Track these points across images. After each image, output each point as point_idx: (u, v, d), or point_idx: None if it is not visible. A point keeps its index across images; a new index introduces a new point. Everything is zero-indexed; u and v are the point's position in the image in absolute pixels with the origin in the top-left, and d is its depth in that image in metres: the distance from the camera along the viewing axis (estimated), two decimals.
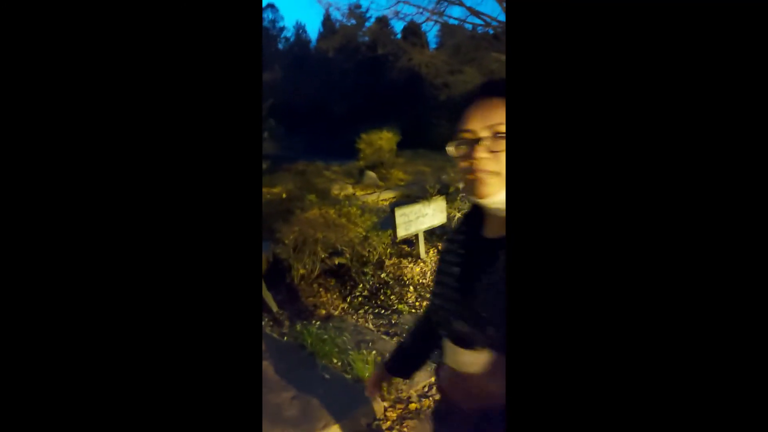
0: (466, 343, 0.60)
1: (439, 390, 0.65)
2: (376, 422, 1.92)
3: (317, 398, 1.99)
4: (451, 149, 0.65)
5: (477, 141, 0.62)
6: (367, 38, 15.17)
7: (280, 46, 23.36)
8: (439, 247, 4.07)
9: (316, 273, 3.53)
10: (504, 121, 0.62)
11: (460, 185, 0.78)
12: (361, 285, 3.49)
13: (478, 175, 0.62)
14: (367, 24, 14.24)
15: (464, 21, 9.44)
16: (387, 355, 1.17)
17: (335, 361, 2.30)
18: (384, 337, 2.71)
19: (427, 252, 4.08)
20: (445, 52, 10.97)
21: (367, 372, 2.13)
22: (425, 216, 3.98)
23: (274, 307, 3.21)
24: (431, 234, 4.32)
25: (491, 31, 9.31)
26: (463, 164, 0.64)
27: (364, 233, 3.74)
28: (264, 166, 10.66)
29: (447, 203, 4.33)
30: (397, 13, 9.32)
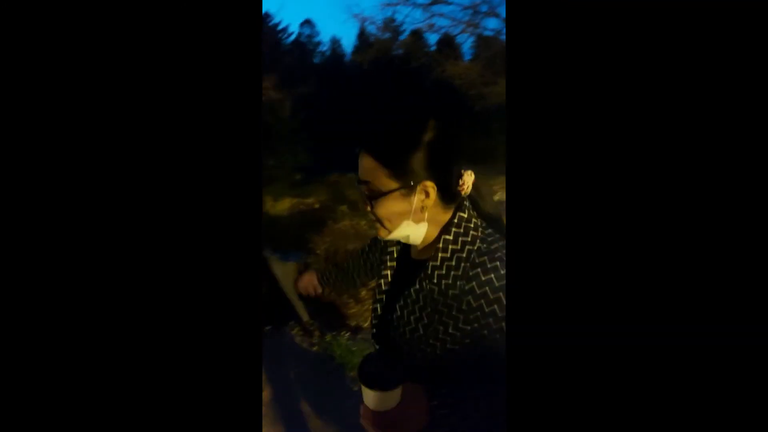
0: (378, 385, 0.61)
1: (364, 426, 0.67)
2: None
3: (344, 409, 1.98)
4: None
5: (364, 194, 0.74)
6: (401, 51, 15.32)
7: (316, 60, 23.92)
8: None
9: None
10: (364, 174, 0.72)
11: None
12: None
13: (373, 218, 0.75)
14: (402, 37, 14.40)
15: (500, 33, 9.39)
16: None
17: None
18: None
19: None
20: (479, 63, 10.92)
21: None
22: None
23: (305, 317, 3.23)
24: None
25: None
26: None
27: None
28: (297, 177, 10.85)
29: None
30: (431, 26, 9.38)
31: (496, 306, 0.65)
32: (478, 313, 0.66)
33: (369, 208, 0.74)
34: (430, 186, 0.70)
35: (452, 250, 0.71)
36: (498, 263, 0.67)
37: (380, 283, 0.83)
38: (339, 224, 3.83)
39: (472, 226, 0.73)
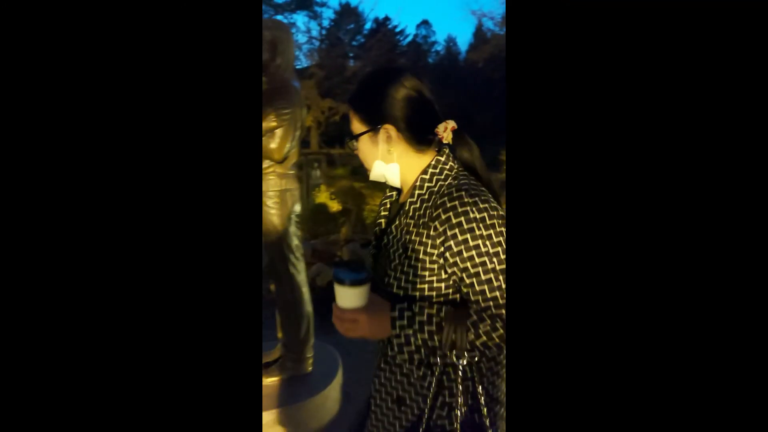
0: (346, 282, 0.73)
1: (335, 325, 0.77)
2: None
3: None
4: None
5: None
6: None
7: (430, 60, 24.07)
8: None
9: None
10: (351, 126, 0.86)
11: None
12: None
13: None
14: None
15: None
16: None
17: None
18: None
19: None
20: None
21: None
22: None
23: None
24: None
25: None
26: None
27: None
28: None
29: None
30: None
31: (457, 231, 0.73)
32: (443, 237, 0.74)
33: (355, 151, 0.88)
34: (391, 128, 0.81)
35: (428, 187, 0.80)
36: (463, 192, 0.75)
37: (375, 231, 0.92)
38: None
39: (447, 168, 0.81)
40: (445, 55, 24.55)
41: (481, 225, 0.72)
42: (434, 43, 25.93)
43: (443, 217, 0.73)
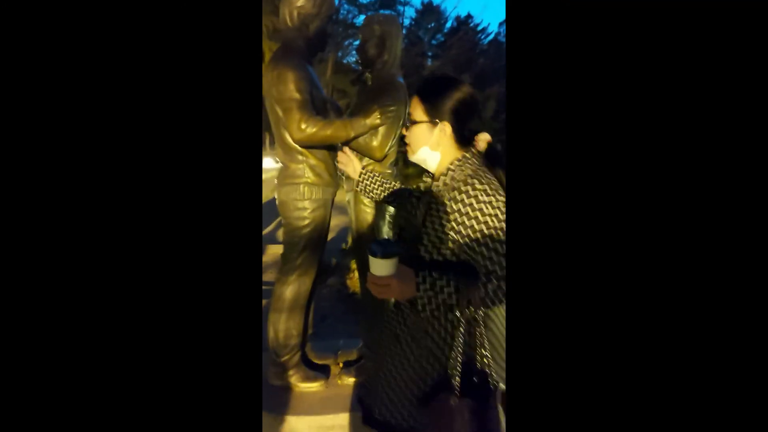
0: (378, 254, 0.89)
1: (370, 289, 0.93)
2: None
3: None
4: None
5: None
6: None
7: None
8: None
9: None
10: (411, 110, 1.05)
11: None
12: None
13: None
14: None
15: None
16: None
17: None
18: None
19: None
20: None
21: None
22: None
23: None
24: None
25: None
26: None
27: None
28: None
29: None
30: None
31: (469, 209, 0.92)
32: (457, 213, 0.93)
33: (405, 131, 1.06)
34: (447, 126, 1.00)
35: (451, 176, 0.99)
36: (476, 181, 0.93)
37: (406, 207, 1.11)
38: None
39: (470, 164, 0.99)
40: None
41: (489, 206, 0.91)
42: None
43: (458, 197, 0.93)
